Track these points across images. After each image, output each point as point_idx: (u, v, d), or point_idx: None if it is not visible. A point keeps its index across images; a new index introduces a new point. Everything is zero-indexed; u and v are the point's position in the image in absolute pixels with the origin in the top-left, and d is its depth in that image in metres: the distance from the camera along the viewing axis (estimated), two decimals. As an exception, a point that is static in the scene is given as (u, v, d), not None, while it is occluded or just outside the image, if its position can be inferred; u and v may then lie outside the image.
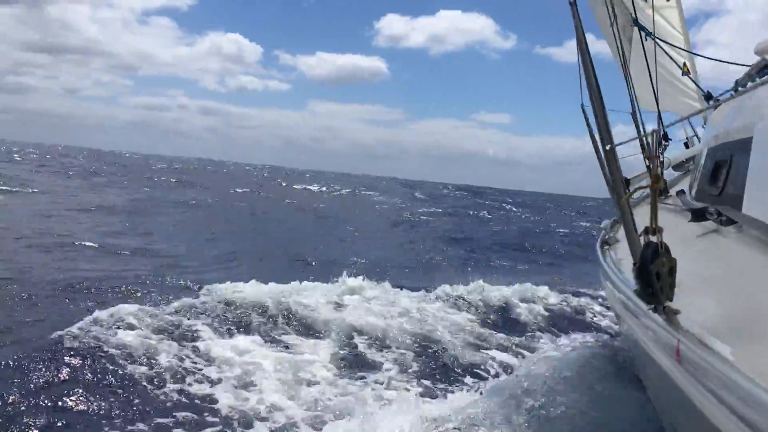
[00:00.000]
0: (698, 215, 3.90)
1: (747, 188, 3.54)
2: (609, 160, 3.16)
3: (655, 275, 2.30)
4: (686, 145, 8.28)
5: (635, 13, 5.90)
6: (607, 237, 5.27)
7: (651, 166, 2.65)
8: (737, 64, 5.73)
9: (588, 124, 6.07)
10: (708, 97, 6.30)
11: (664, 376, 2.38)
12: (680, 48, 6.70)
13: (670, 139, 5.81)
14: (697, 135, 8.32)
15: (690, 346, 2.01)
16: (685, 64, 8.15)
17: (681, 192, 5.66)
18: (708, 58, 5.71)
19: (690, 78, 7.36)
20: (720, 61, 5.79)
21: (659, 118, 3.57)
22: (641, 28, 5.99)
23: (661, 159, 4.84)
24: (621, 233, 5.51)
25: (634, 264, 2.42)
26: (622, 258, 4.39)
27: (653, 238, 2.38)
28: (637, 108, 3.93)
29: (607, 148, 3.16)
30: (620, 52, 4.62)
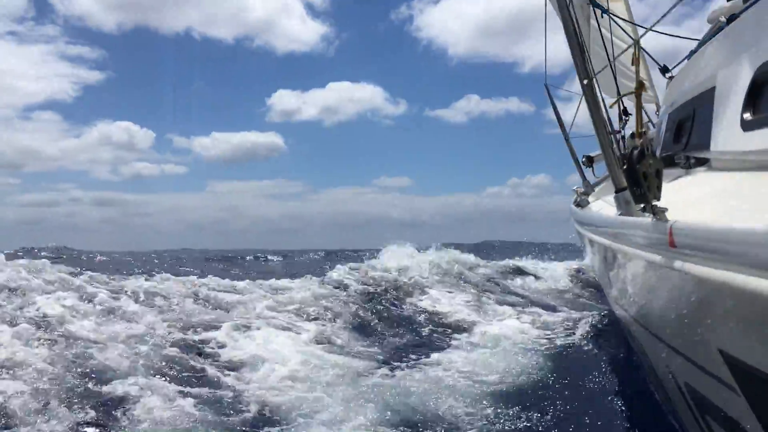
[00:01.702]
0: (668, 161, 4.03)
1: (714, 126, 3.67)
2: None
3: (642, 175, 2.37)
4: (644, 133, 8.57)
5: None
6: (579, 199, 5.43)
7: (636, 70, 2.74)
8: (691, 39, 5.97)
9: (552, 103, 6.24)
10: (664, 70, 6.55)
11: (650, 268, 2.44)
12: (634, 24, 6.95)
13: (630, 114, 6.01)
14: (651, 122, 8.63)
15: (683, 225, 2.06)
16: (634, 53, 8.47)
17: None
18: (662, 33, 5.93)
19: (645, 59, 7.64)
20: (676, 36, 6.02)
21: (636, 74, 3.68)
22: (596, 5, 6.19)
23: (622, 133, 4.95)
24: (591, 197, 5.67)
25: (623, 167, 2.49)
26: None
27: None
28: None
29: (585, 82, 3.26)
30: (576, 28, 4.78)
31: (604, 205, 4.50)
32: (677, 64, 6.03)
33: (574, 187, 5.92)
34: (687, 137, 4.41)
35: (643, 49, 7.31)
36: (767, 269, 1.54)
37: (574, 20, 3.58)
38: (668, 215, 2.28)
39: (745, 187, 2.87)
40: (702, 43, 5.13)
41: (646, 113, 8.97)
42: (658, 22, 3.62)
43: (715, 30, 4.80)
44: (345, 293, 10.15)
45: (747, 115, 3.22)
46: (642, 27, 6.14)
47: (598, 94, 3.59)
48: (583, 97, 3.60)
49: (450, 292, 11.07)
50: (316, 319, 8.34)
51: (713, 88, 3.92)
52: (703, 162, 3.82)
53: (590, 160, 6.61)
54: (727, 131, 3.49)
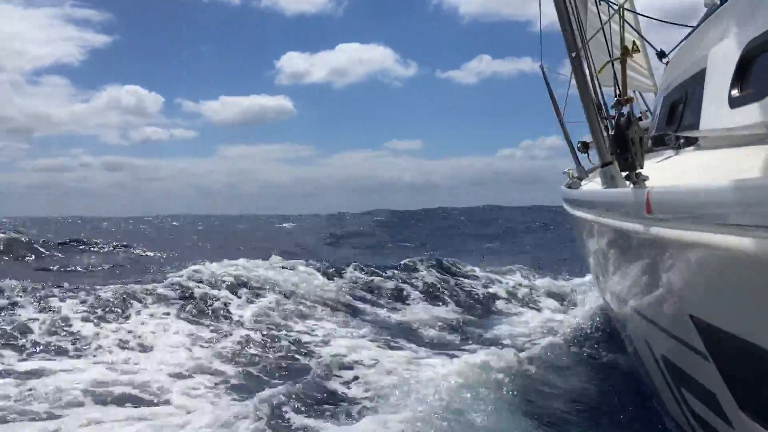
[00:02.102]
0: (658, 140, 4.04)
1: (704, 105, 3.67)
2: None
3: (630, 141, 2.39)
4: (639, 119, 8.56)
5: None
6: (570, 182, 5.44)
7: (621, 35, 2.75)
8: (687, 26, 5.96)
9: (547, 84, 6.24)
10: (661, 55, 6.53)
11: (626, 240, 2.46)
12: (638, 13, 6.95)
13: (629, 98, 6.00)
14: (650, 110, 8.60)
15: (659, 189, 2.08)
16: (634, 42, 8.46)
17: None
18: (660, 20, 5.94)
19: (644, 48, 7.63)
20: (673, 23, 6.01)
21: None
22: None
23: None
24: (584, 182, 5.68)
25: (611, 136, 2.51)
26: None
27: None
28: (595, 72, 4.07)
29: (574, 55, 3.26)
30: (577, 18, 4.78)
31: (594, 188, 4.52)
32: (673, 49, 6.02)
33: (566, 170, 5.93)
34: (679, 118, 4.41)
35: (641, 34, 7.31)
36: (737, 226, 1.56)
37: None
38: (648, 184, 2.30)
39: (729, 162, 2.88)
40: (695, 28, 5.12)
41: (645, 102, 8.97)
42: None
43: (709, 13, 4.80)
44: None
45: (735, 92, 3.22)
46: (638, 13, 6.12)
47: (587, 68, 3.60)
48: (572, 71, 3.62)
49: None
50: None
51: (704, 69, 3.92)
52: (692, 141, 3.83)
53: (586, 146, 6.57)
54: (716, 109, 3.50)
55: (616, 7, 6.23)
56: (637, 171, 2.37)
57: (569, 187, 5.34)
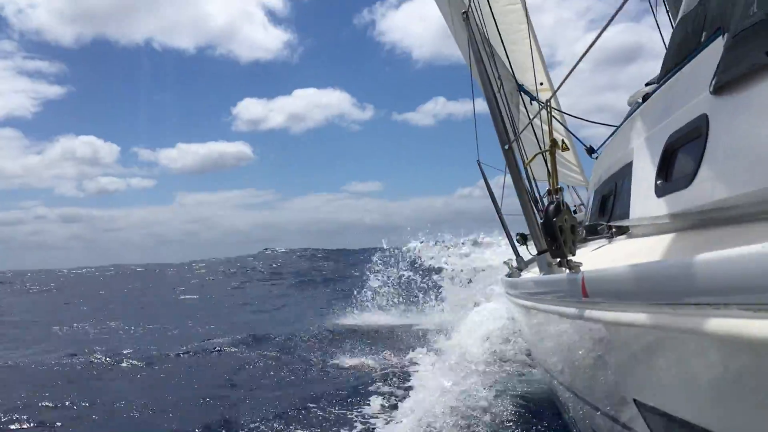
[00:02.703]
0: (591, 230, 4.13)
1: (632, 196, 3.80)
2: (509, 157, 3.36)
3: (558, 229, 2.42)
4: (574, 212, 8.86)
5: (516, 80, 6.45)
6: (511, 272, 5.48)
7: (549, 128, 2.84)
8: (612, 125, 6.30)
9: (484, 177, 6.40)
10: (590, 151, 6.85)
11: (565, 325, 2.44)
12: (566, 113, 7.32)
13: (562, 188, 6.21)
14: (584, 203, 8.93)
15: (593, 273, 2.09)
16: (563, 141, 8.90)
17: None
18: (586, 120, 6.27)
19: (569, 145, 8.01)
20: (598, 123, 6.35)
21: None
22: (526, 92, 6.54)
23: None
24: (523, 271, 5.74)
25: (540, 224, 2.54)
26: None
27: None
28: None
29: (506, 148, 3.36)
30: (508, 113, 5.02)
31: (533, 275, 4.57)
32: (601, 145, 6.32)
33: (506, 260, 6.00)
34: (611, 209, 4.56)
35: (571, 132, 7.70)
36: (670, 305, 1.55)
37: (495, 92, 3.75)
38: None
39: (657, 249, 2.95)
40: (622, 123, 5.41)
41: (579, 196, 9.33)
42: (563, 82, 3.81)
43: (632, 111, 5.08)
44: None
45: (660, 182, 3.35)
46: (569, 115, 6.45)
47: (520, 160, 3.71)
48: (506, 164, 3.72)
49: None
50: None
51: (631, 162, 4.10)
52: (624, 231, 3.93)
53: (524, 238, 6.71)
54: (644, 199, 3.63)
55: (542, 105, 6.57)
56: (568, 258, 2.39)
57: (509, 276, 5.39)
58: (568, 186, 9.07)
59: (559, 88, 3.84)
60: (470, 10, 4.54)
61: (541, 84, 8.38)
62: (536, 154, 4.21)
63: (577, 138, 7.65)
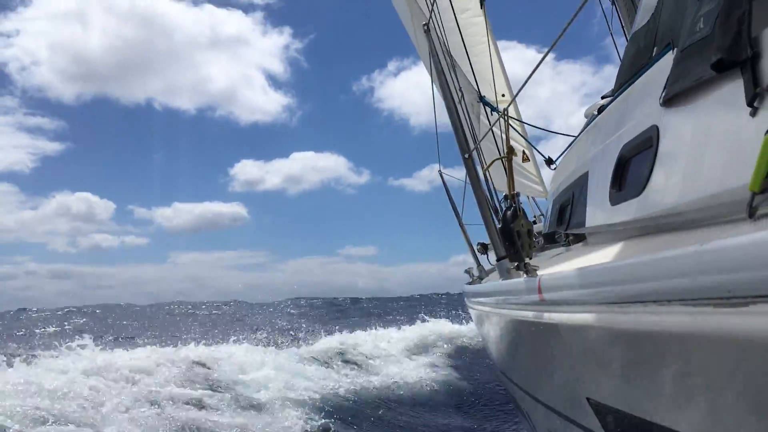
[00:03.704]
0: (549, 238, 4.23)
1: (588, 205, 3.91)
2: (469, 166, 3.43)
3: (516, 234, 2.48)
4: (534, 222, 9.01)
5: (479, 90, 6.55)
6: (471, 281, 5.56)
7: (505, 138, 2.91)
8: (570, 135, 6.46)
9: (446, 187, 6.47)
10: (549, 162, 7.00)
11: (523, 328, 2.50)
12: (525, 123, 7.46)
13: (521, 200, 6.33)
14: (543, 213, 9.10)
15: (549, 275, 2.15)
16: (524, 151, 9.08)
17: None
18: (543, 129, 6.42)
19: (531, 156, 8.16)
20: (558, 133, 6.51)
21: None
22: (486, 104, 6.65)
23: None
24: (484, 280, 5.82)
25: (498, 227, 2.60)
26: None
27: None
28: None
29: (466, 156, 3.43)
30: (470, 125, 5.10)
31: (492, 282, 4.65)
32: (559, 156, 6.48)
33: (467, 268, 6.08)
34: (568, 218, 4.67)
35: (530, 143, 7.84)
36: (623, 303, 1.61)
37: (456, 103, 3.83)
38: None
39: (611, 254, 3.04)
40: (579, 135, 5.55)
41: (538, 207, 9.49)
42: (519, 91, 3.90)
43: (589, 122, 5.23)
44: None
45: (613, 191, 3.46)
46: (529, 125, 6.59)
47: (480, 168, 3.79)
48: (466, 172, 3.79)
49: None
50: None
51: (587, 172, 4.22)
52: (581, 238, 4.04)
53: (484, 247, 6.81)
54: (599, 208, 3.73)
55: (500, 114, 6.70)
56: (526, 261, 2.46)
57: (470, 284, 5.47)
58: (528, 196, 9.23)
59: (516, 96, 3.94)
60: (431, 21, 4.62)
61: (503, 95, 8.55)
62: (494, 160, 4.30)
63: (536, 149, 7.81)
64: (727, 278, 1.14)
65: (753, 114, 1.69)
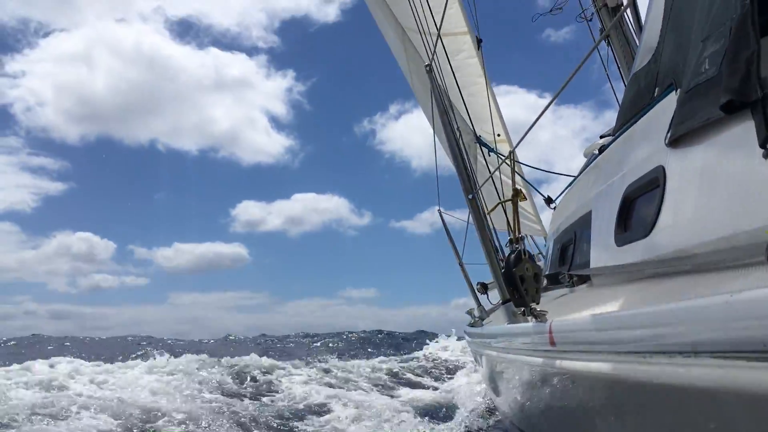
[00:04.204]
0: (553, 279, 4.16)
1: (592, 245, 3.86)
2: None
3: (519, 279, 2.43)
4: (533, 261, 8.97)
5: (475, 132, 6.58)
6: (473, 322, 5.48)
7: (512, 179, 2.87)
8: (569, 175, 6.47)
9: (445, 227, 6.43)
10: (548, 201, 6.99)
11: (532, 374, 2.43)
12: (526, 164, 7.47)
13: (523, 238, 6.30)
14: (541, 252, 9.06)
15: (561, 321, 2.09)
16: (521, 190, 9.08)
17: None
18: (542, 170, 6.43)
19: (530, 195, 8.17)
20: (557, 173, 6.52)
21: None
22: (484, 145, 6.66)
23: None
24: (486, 321, 5.73)
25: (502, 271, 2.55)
26: None
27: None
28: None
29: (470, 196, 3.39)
30: (467, 163, 5.09)
31: (497, 325, 4.56)
32: (559, 195, 6.48)
33: (469, 309, 6.00)
34: (570, 258, 4.62)
35: (529, 183, 7.84)
36: (645, 353, 1.55)
37: (457, 143, 3.82)
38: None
39: (620, 298, 2.98)
40: (579, 174, 5.55)
41: (536, 245, 9.45)
42: (525, 134, 3.89)
43: (589, 162, 5.22)
44: None
45: (619, 232, 3.42)
46: (528, 165, 6.60)
47: (482, 209, 3.75)
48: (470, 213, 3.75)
49: None
50: None
51: (590, 212, 4.18)
52: (585, 279, 3.98)
53: (484, 287, 6.75)
54: (604, 249, 3.68)
55: (504, 157, 6.71)
56: (531, 306, 2.40)
57: (472, 326, 5.38)
58: (526, 235, 9.21)
59: (520, 141, 3.93)
60: (433, 63, 4.65)
61: (499, 135, 8.60)
62: (498, 204, 4.26)
63: (535, 188, 7.82)
64: (763, 330, 1.09)
65: (766, 156, 1.66)
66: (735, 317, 1.14)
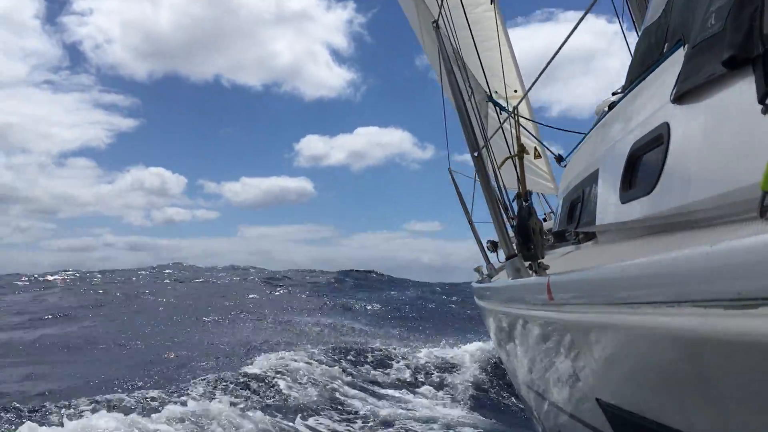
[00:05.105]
0: (559, 236, 4.20)
1: (598, 203, 3.88)
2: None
3: (531, 231, 2.47)
4: (544, 220, 8.97)
5: (490, 90, 6.52)
6: (481, 279, 5.55)
7: (517, 135, 2.90)
8: (578, 132, 6.42)
9: (456, 186, 6.46)
10: (559, 159, 6.96)
11: (532, 328, 2.49)
12: (534, 121, 7.42)
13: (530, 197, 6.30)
14: (553, 211, 9.05)
15: (559, 276, 2.13)
16: (535, 148, 9.02)
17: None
18: (555, 128, 6.39)
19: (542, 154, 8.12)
20: (567, 130, 6.47)
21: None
22: (495, 104, 6.61)
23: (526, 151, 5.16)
24: (494, 278, 5.79)
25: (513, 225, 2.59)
26: None
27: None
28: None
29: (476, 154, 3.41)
30: (480, 124, 5.08)
31: (501, 281, 4.63)
32: (570, 153, 6.44)
33: (476, 267, 6.05)
34: (578, 216, 4.64)
35: (539, 140, 7.80)
36: (633, 304, 1.60)
37: (465, 101, 3.81)
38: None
39: (622, 253, 3.01)
40: (589, 132, 5.52)
41: (549, 204, 9.44)
42: (529, 90, 3.87)
43: (599, 119, 5.19)
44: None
45: (624, 189, 3.43)
46: (540, 123, 6.55)
47: (489, 166, 3.77)
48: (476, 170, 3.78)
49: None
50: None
51: (598, 170, 4.19)
52: (591, 236, 4.01)
53: (495, 245, 6.77)
54: (609, 206, 3.70)
55: (509, 113, 6.67)
56: (539, 261, 2.44)
57: (480, 283, 5.45)
58: (538, 194, 9.18)
59: (525, 95, 3.91)
60: (440, 18, 4.60)
61: (515, 91, 8.50)
62: (506, 159, 4.27)
63: (545, 146, 7.77)
64: (738, 279, 1.12)
65: (765, 111, 1.66)
66: (712, 267, 1.18)
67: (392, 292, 36.75)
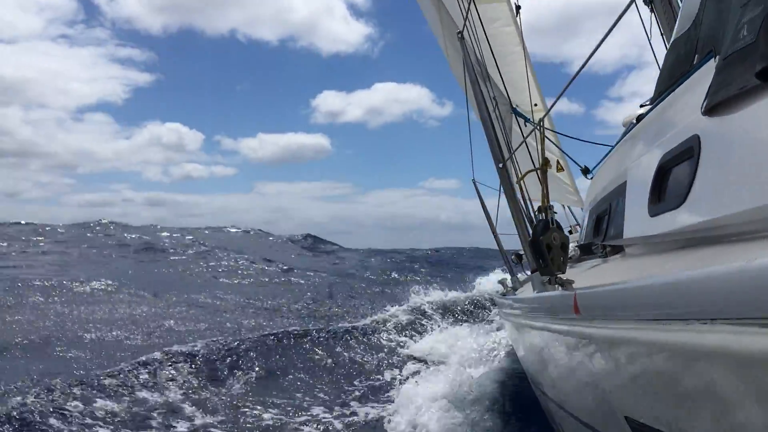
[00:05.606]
0: (586, 250, 4.14)
1: (626, 216, 3.83)
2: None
3: (545, 247, 2.44)
4: (569, 233, 8.89)
5: (510, 102, 6.50)
6: (505, 292, 5.50)
7: (540, 149, 2.88)
8: (605, 145, 6.36)
9: (480, 197, 6.42)
10: (585, 171, 6.88)
11: (558, 342, 2.45)
12: (559, 133, 7.36)
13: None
14: (579, 224, 8.96)
15: (586, 290, 2.10)
16: (558, 161, 8.96)
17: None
18: (585, 141, 6.34)
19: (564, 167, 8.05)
20: (591, 143, 6.41)
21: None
22: (520, 115, 6.58)
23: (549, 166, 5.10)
24: (518, 291, 5.74)
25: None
26: None
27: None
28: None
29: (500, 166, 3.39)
30: (503, 133, 5.06)
31: (526, 294, 4.58)
32: (596, 165, 6.37)
33: (500, 279, 6.01)
34: (605, 229, 4.58)
35: (565, 153, 7.74)
36: (659, 321, 1.56)
37: (490, 113, 3.79)
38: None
39: (650, 267, 2.96)
40: (616, 144, 5.46)
41: (574, 216, 9.36)
42: (554, 103, 3.84)
43: (627, 131, 5.13)
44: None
45: (653, 202, 3.38)
46: (564, 135, 6.51)
47: (514, 177, 3.75)
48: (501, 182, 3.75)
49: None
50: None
51: (625, 182, 4.13)
52: (618, 250, 3.95)
53: (520, 258, 6.74)
54: (637, 219, 3.65)
55: (534, 125, 6.61)
56: (557, 275, 2.41)
57: (504, 296, 5.41)
58: (564, 206, 9.11)
59: (551, 108, 3.88)
60: (465, 30, 4.59)
61: (536, 105, 8.47)
62: (528, 172, 4.24)
63: (571, 158, 7.70)
64: None
65: None
66: (749, 284, 1.14)
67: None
